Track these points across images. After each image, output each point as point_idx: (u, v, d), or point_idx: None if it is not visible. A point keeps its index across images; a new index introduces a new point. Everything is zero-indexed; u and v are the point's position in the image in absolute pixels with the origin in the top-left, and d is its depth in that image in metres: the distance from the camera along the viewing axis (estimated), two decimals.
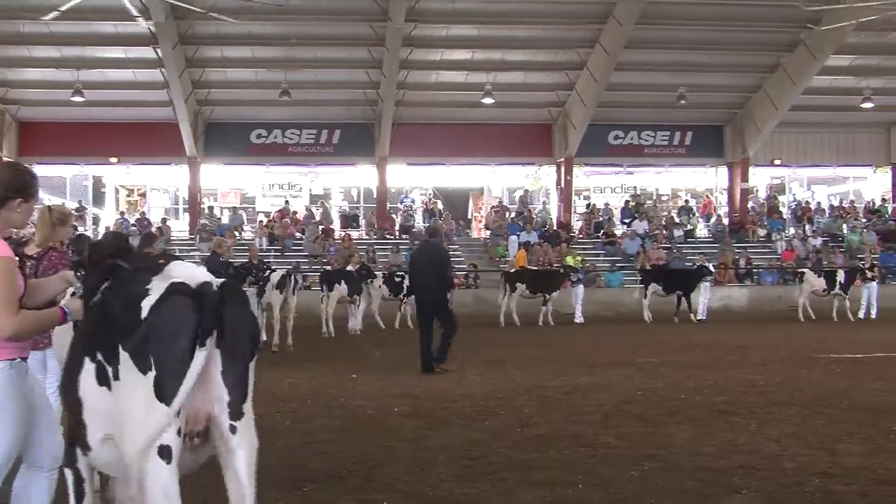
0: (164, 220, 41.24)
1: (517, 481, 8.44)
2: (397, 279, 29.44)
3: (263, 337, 22.61)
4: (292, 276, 22.95)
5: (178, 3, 30.59)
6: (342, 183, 46.36)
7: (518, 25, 37.20)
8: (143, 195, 45.65)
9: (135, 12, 30.36)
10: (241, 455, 4.57)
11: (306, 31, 36.66)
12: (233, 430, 4.52)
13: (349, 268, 28.48)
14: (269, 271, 22.92)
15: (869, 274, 32.66)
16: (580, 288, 31.58)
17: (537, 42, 38.48)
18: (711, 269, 32.81)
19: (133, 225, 40.04)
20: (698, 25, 37.17)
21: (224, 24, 33.90)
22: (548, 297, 29.84)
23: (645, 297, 31.12)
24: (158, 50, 35.88)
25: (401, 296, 29.13)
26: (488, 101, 39.74)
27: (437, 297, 17.30)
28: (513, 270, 32.41)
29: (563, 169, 43.44)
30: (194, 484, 5.52)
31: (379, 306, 29.24)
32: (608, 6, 36.03)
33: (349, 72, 39.75)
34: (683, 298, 30.98)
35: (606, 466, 8.97)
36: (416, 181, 45.83)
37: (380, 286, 29.02)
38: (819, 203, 46.22)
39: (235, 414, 4.52)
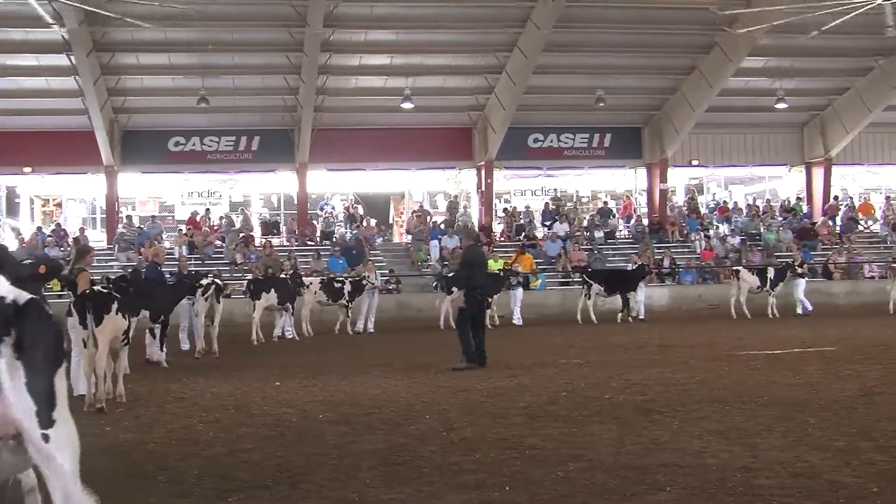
0: (81, 230, 40.57)
1: (444, 485, 8.43)
2: (337, 284, 29.31)
3: (187, 345, 22.55)
4: (216, 284, 22.85)
5: (91, 9, 30.13)
6: (262, 190, 46.06)
7: (437, 30, 37.27)
8: (59, 205, 44.95)
9: (49, 19, 29.81)
10: (57, 461, 4.68)
11: (223, 38, 36.38)
12: (45, 438, 4.62)
13: (281, 275, 28.44)
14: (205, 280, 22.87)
15: (799, 270, 33.25)
16: (519, 290, 31.74)
17: (456, 46, 38.58)
18: (648, 269, 33.50)
19: (49, 235, 39.41)
20: (616, 29, 37.56)
21: (139, 30, 33.47)
22: (490, 300, 29.91)
23: (589, 298, 31.25)
24: (72, 57, 35.35)
25: (341, 301, 28.97)
26: (408, 105, 39.77)
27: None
28: (451, 275, 32.52)
29: (483, 172, 43.60)
30: None
31: (318, 312, 29.11)
32: (526, 10, 36.23)
33: (267, 78, 39.53)
34: (625, 298, 31.39)
35: (532, 467, 8.99)
36: (337, 187, 45.69)
37: (315, 292, 28.85)
38: (736, 202, 46.99)
39: (45, 423, 4.60)
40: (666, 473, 8.46)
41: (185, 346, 22.63)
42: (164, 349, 20.23)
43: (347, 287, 29.05)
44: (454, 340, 19.03)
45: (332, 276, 31.48)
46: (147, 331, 20.12)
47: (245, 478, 9.04)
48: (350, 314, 29.02)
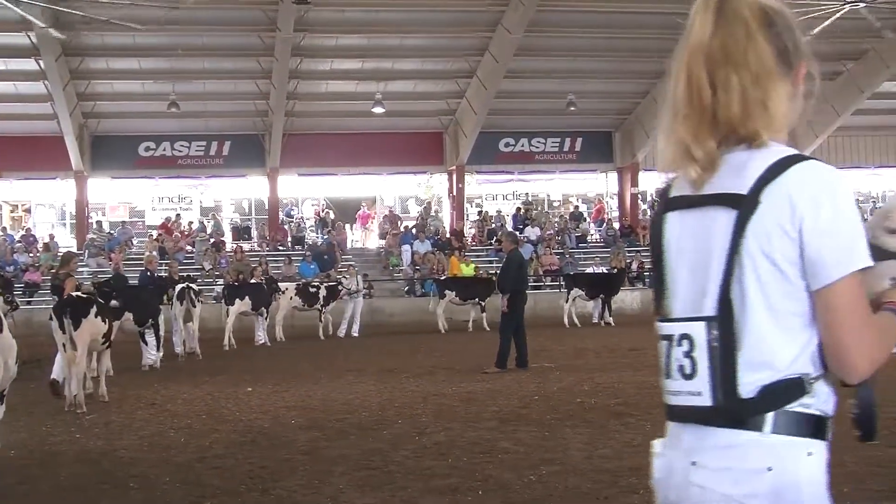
0: (51, 236, 40.33)
1: (417, 490, 8.44)
2: (312, 289, 29.26)
3: (179, 349, 22.59)
4: (191, 288, 22.98)
5: (61, 9, 29.97)
6: (233, 195, 45.93)
7: (407, 34, 37.26)
8: (28, 210, 44.67)
9: (32, 18, 29.62)
10: None
11: (194, 42, 36.24)
12: None
13: (253, 280, 28.41)
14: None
15: None
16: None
17: (427, 51, 38.58)
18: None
19: (18, 241, 39.16)
20: (586, 33, 37.65)
21: (109, 34, 33.39)
22: (483, 303, 29.90)
23: (566, 302, 31.28)
24: (41, 61, 35.10)
25: (317, 305, 28.92)
26: (379, 110, 39.74)
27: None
28: (443, 278, 32.60)
29: (454, 177, 43.64)
30: None
31: (290, 317, 29.07)
32: (497, 14, 36.29)
33: (238, 82, 39.42)
34: (606, 302, 31.50)
35: (505, 471, 9.01)
36: (308, 191, 45.64)
37: (291, 297, 28.79)
38: None
39: None
40: (639, 476, 8.48)
41: (179, 349, 22.68)
42: (161, 351, 20.69)
43: (323, 292, 29.03)
44: (418, 344, 19.01)
45: (307, 281, 31.46)
46: (139, 336, 20.44)
47: (217, 484, 9.01)
48: (323, 319, 28.96)
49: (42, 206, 44.92)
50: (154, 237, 40.26)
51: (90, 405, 14.20)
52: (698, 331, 2.60)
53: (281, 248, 40.89)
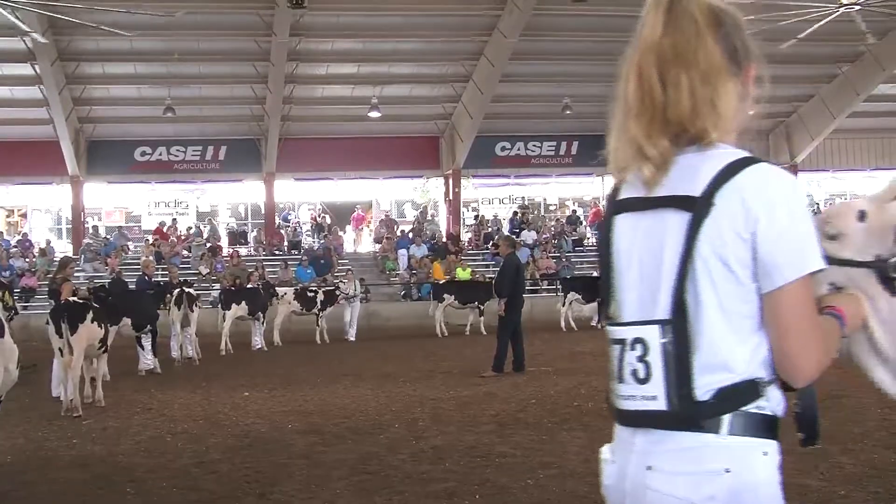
0: (47, 241, 40.32)
1: (414, 494, 8.44)
2: (310, 293, 29.25)
3: (175, 353, 22.58)
4: (187, 292, 23.00)
5: (58, 17, 29.95)
6: (229, 199, 45.92)
7: (403, 38, 37.26)
8: (24, 215, 44.62)
9: (25, 28, 29.61)
10: None
11: (190, 47, 36.18)
12: None
13: (250, 285, 28.42)
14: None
15: None
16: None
17: (423, 55, 38.58)
18: None
19: (14, 246, 39.12)
20: (582, 36, 37.61)
21: (105, 39, 33.36)
22: (482, 307, 29.86)
23: (563, 305, 31.24)
24: (37, 66, 35.07)
25: (315, 310, 28.91)
26: (375, 114, 39.73)
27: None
28: (442, 282, 32.57)
29: (451, 181, 43.63)
30: None
31: (287, 321, 29.05)
32: (493, 18, 36.28)
33: (234, 87, 39.40)
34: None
35: (503, 476, 9.01)
36: (304, 196, 45.63)
37: (290, 302, 28.78)
38: None
39: None
40: None
41: (175, 353, 22.67)
42: (156, 356, 20.64)
43: (320, 297, 29.03)
44: (425, 348, 19.00)
45: (305, 285, 31.45)
46: (136, 341, 20.51)
47: (214, 489, 9.01)
48: (321, 323, 28.93)
49: (38, 211, 44.86)
50: (150, 242, 40.22)
51: (87, 410, 14.20)
52: (652, 334, 2.61)
53: (277, 252, 40.88)
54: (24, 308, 32.55)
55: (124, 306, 19.53)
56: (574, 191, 48.00)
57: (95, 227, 42.49)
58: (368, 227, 45.50)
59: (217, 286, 32.85)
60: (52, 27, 32.51)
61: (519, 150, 44.52)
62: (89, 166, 41.27)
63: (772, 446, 2.62)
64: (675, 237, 2.61)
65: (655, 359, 2.60)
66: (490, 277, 31.11)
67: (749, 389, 2.58)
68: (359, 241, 44.61)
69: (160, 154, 42.13)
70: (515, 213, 44.62)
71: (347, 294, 29.56)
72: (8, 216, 44.78)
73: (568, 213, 46.33)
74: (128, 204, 44.76)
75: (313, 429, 12.24)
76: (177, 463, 10.29)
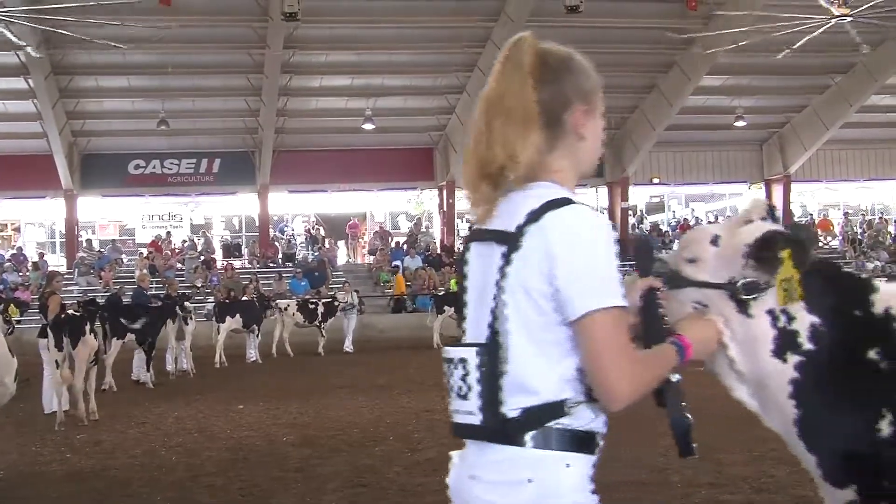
0: (40, 255, 40.24)
1: None
2: (311, 306, 29.22)
3: (170, 367, 22.56)
4: (180, 306, 22.99)
5: (52, 30, 29.96)
6: (223, 212, 45.89)
7: (397, 50, 37.29)
8: (18, 229, 44.54)
9: (18, 42, 29.61)
10: None
11: (183, 60, 36.18)
12: None
13: (244, 298, 28.39)
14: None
15: None
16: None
17: (416, 67, 38.61)
18: None
19: (8, 260, 39.05)
20: (575, 48, 37.36)
21: (98, 53, 33.36)
22: None
23: None
24: (30, 80, 35.06)
25: (317, 322, 28.86)
26: (369, 126, 39.77)
27: None
28: (442, 293, 32.53)
29: (445, 192, 43.64)
30: None
31: (291, 333, 29.02)
32: (486, 30, 36.34)
33: (228, 100, 39.40)
34: None
35: None
36: (299, 208, 45.61)
37: (293, 313, 28.76)
38: (698, 219, 47.23)
39: None
40: (631, 490, 8.48)
41: (170, 367, 22.67)
42: (151, 370, 20.67)
43: (321, 308, 29.03)
44: (420, 360, 18.96)
45: (306, 298, 31.44)
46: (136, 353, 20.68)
47: (209, 502, 8.99)
48: (324, 334, 28.89)
49: (31, 225, 44.82)
50: (144, 255, 40.16)
51: (80, 425, 14.13)
52: (471, 356, 2.85)
53: (272, 264, 40.84)
54: (18, 322, 32.45)
55: (133, 320, 19.89)
56: None
57: (89, 241, 42.41)
58: (363, 238, 45.48)
59: (211, 299, 32.77)
60: (45, 41, 32.49)
61: None
62: (83, 180, 41.20)
63: (578, 459, 2.80)
64: (494, 268, 2.83)
65: (473, 378, 2.84)
66: None
67: (553, 409, 2.78)
68: (355, 254, 44.56)
69: (154, 167, 42.08)
70: None
71: (346, 305, 29.58)
72: (1, 230, 44.74)
73: None
74: (122, 217, 44.71)
75: (308, 441, 12.22)
76: (171, 477, 10.26)
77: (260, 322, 27.28)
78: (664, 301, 3.33)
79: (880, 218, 47.92)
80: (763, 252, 3.36)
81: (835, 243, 46.20)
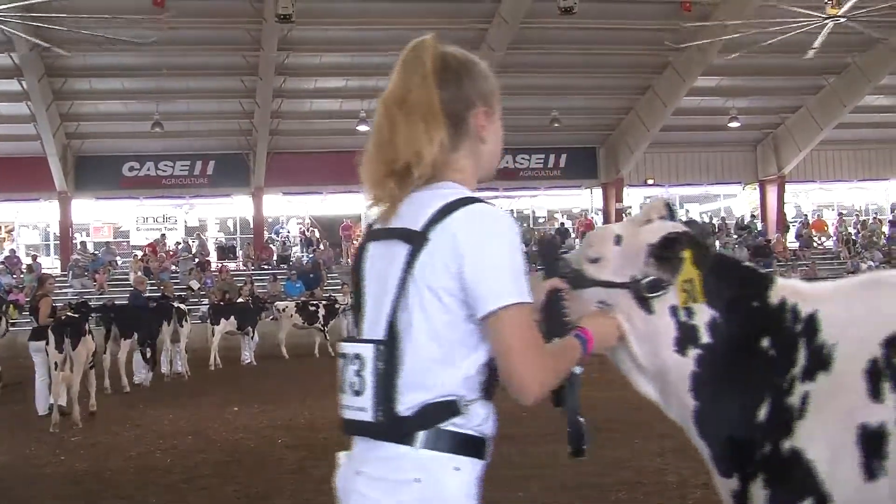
0: (34, 258, 40.16)
1: None
2: (311, 308, 29.20)
3: (165, 369, 22.57)
4: (175, 307, 23.01)
5: (46, 26, 29.92)
6: (218, 214, 45.84)
7: (391, 53, 36.97)
8: (11, 232, 44.45)
9: (19, 35, 29.59)
10: None
11: (177, 62, 36.14)
12: None
13: (239, 300, 28.39)
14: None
15: None
16: None
17: None
18: None
19: (1, 263, 38.96)
20: (570, 50, 37.70)
21: (92, 55, 33.33)
22: None
23: None
24: (23, 82, 35.02)
25: (316, 324, 28.84)
26: (363, 128, 39.68)
27: None
28: None
29: None
30: None
31: (287, 335, 29.00)
32: (480, 32, 36.33)
33: (222, 102, 39.39)
34: None
35: (493, 489, 8.90)
36: (293, 210, 45.57)
37: (292, 315, 28.73)
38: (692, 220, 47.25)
39: None
40: (627, 491, 8.48)
41: (165, 369, 22.69)
42: (151, 372, 20.88)
43: (321, 311, 29.00)
44: None
45: (306, 299, 31.42)
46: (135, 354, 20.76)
47: None
48: (328, 336, 28.88)
49: (25, 228, 44.73)
50: (139, 257, 40.08)
51: (74, 427, 14.12)
52: (367, 352, 2.86)
53: (266, 266, 40.80)
54: (12, 325, 32.42)
55: (131, 321, 20.10)
56: (562, 203, 48.04)
57: (83, 243, 42.34)
58: (357, 240, 45.36)
59: (206, 301, 32.73)
60: (38, 43, 32.43)
61: (507, 162, 44.47)
62: (77, 182, 41.17)
63: (466, 462, 2.85)
64: (397, 266, 2.85)
65: (368, 375, 2.85)
66: None
67: (446, 408, 2.82)
68: (349, 256, 44.48)
69: (148, 169, 42.07)
70: None
71: (345, 306, 29.58)
72: None
73: (557, 225, 46.32)
74: (116, 219, 44.63)
75: (303, 443, 12.20)
76: (166, 479, 10.24)
77: (255, 324, 27.26)
78: (568, 301, 3.40)
79: (874, 218, 47.99)
80: (665, 252, 3.43)
81: (829, 244, 46.29)
